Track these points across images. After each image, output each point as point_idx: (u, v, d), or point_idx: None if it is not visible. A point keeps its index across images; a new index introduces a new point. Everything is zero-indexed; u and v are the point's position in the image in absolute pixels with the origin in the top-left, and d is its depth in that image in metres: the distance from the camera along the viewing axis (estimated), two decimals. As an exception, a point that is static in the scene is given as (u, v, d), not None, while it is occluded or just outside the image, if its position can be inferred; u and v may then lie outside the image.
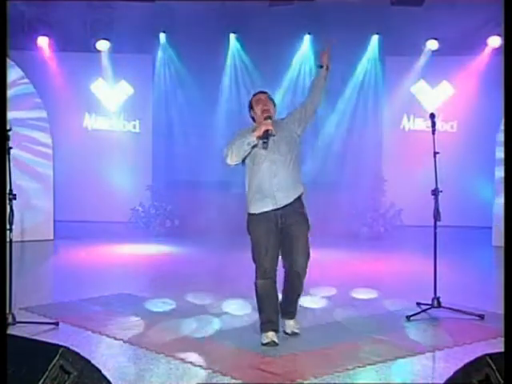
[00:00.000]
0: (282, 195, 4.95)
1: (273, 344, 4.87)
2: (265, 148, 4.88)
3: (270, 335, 4.91)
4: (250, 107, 5.19)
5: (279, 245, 4.98)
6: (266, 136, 4.88)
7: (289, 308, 5.19)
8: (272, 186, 4.93)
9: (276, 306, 5.04)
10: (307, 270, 5.08)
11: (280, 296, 5.13)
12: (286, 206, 4.96)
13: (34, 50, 11.15)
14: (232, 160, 4.94)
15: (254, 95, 5.23)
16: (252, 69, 11.63)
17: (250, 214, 5.01)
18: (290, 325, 5.19)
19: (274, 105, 5.21)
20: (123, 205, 11.10)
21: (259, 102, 5.11)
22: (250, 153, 4.94)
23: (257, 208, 4.97)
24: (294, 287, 5.09)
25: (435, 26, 10.81)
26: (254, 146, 4.91)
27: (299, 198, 5.07)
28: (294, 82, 11.62)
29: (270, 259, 4.91)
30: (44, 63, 11.38)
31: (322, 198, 10.95)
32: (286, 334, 5.14)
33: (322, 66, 5.29)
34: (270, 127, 4.88)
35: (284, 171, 4.97)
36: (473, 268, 8.43)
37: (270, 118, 4.98)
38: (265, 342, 4.89)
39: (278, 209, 4.94)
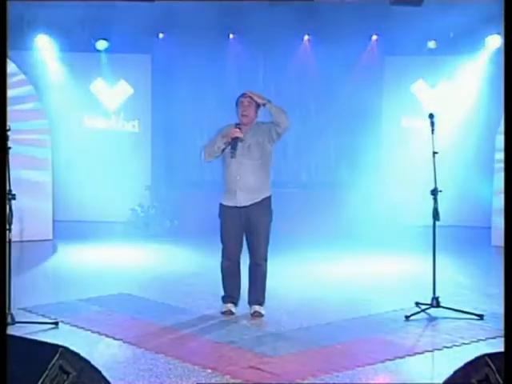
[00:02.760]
0: (243, 197, 5.58)
1: (229, 313, 5.71)
2: (232, 156, 5.48)
3: (229, 306, 5.76)
4: (236, 105, 5.72)
5: (243, 233, 5.68)
6: (234, 143, 5.45)
7: (254, 295, 5.77)
8: (235, 187, 5.57)
9: (237, 284, 5.81)
10: (266, 263, 5.71)
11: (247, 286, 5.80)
12: (246, 206, 5.58)
13: (34, 50, 11.15)
14: (206, 158, 5.73)
15: (240, 96, 5.71)
16: (252, 69, 11.63)
17: (220, 203, 5.74)
18: (255, 308, 5.75)
19: (258, 107, 5.66)
20: (122, 205, 11.09)
21: (240, 105, 5.65)
22: (224, 150, 5.56)
23: (224, 201, 5.71)
24: (256, 276, 5.73)
25: (435, 26, 10.80)
26: (224, 149, 5.55)
27: (263, 199, 5.62)
28: (293, 81, 11.60)
29: (234, 244, 5.69)
30: (44, 63, 11.38)
31: (321, 197, 10.96)
32: (252, 315, 5.70)
33: (264, 105, 5.60)
34: (238, 135, 5.47)
35: (249, 175, 5.56)
36: (472, 268, 8.43)
37: (239, 126, 5.52)
38: (223, 310, 5.75)
39: (239, 207, 5.60)
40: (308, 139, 11.69)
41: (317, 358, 4.68)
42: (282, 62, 11.55)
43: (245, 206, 5.60)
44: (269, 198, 5.71)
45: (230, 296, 5.81)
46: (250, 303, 5.81)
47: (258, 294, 5.78)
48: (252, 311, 5.75)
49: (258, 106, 5.67)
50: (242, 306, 5.97)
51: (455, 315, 5.74)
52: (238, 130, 5.50)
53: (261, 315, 5.71)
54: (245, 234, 5.72)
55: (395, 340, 5.13)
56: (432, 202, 5.79)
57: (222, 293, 5.86)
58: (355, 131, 11.46)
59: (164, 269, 8.22)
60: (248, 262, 5.79)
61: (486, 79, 11.10)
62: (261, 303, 5.78)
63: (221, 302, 5.90)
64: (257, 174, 5.60)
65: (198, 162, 5.99)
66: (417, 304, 6.02)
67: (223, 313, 5.75)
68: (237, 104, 5.71)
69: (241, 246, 5.77)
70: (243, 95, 5.69)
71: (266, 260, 5.73)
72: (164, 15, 10.65)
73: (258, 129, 5.66)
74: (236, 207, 5.62)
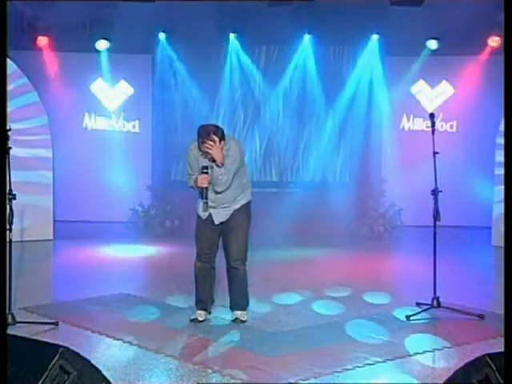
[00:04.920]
0: (220, 215, 5.50)
1: (197, 321, 5.49)
2: (206, 208, 5.47)
3: (198, 313, 5.54)
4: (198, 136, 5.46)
5: (218, 237, 5.58)
6: (205, 192, 5.44)
7: (235, 300, 5.63)
8: (212, 206, 5.48)
9: (209, 287, 5.63)
10: (244, 267, 5.58)
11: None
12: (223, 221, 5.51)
13: (34, 50, 11.14)
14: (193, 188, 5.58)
15: (198, 136, 5.44)
16: (252, 69, 11.62)
17: (197, 213, 5.66)
18: (237, 314, 5.59)
19: (222, 136, 5.41)
20: (123, 205, 11.08)
21: (202, 146, 5.38)
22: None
23: (201, 213, 5.61)
24: (233, 280, 5.59)
25: (435, 26, 10.80)
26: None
27: (241, 206, 5.53)
28: (293, 81, 11.60)
29: (207, 246, 5.55)
30: (44, 63, 11.37)
31: (322, 197, 10.95)
32: (233, 321, 5.54)
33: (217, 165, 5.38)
34: (205, 184, 5.37)
35: (224, 196, 5.46)
36: (472, 268, 8.43)
37: (206, 172, 5.35)
38: (192, 318, 5.55)
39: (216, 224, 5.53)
40: (308, 139, 11.68)
41: (317, 358, 4.68)
42: (282, 61, 11.54)
43: (221, 222, 5.53)
44: (247, 203, 5.59)
45: (201, 301, 5.60)
46: (231, 309, 5.67)
47: (237, 298, 5.63)
48: (233, 317, 5.60)
49: (222, 138, 5.39)
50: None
51: (455, 315, 5.74)
52: (204, 177, 5.35)
53: (242, 321, 5.53)
54: (222, 238, 5.60)
55: (395, 340, 5.13)
56: (432, 202, 5.79)
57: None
58: (355, 131, 11.45)
59: (164, 269, 8.22)
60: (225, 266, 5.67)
61: (486, 79, 11.10)
62: (242, 308, 5.63)
63: (221, 303, 5.88)
64: (232, 191, 5.48)
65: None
66: (417, 304, 6.02)
67: (191, 320, 5.53)
68: (198, 136, 5.43)
69: (215, 249, 5.61)
70: (199, 131, 5.44)
71: (243, 263, 5.56)
72: (164, 15, 10.64)
73: (226, 153, 5.39)
74: (212, 222, 5.54)
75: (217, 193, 5.48)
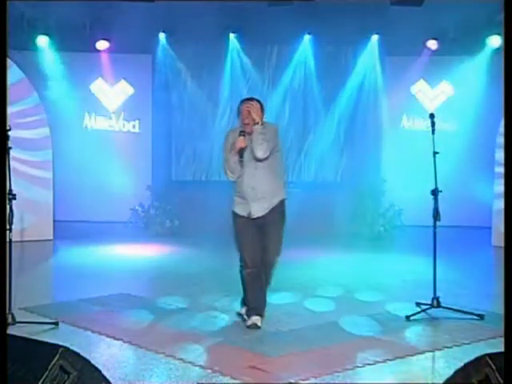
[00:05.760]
0: (257, 208, 5.40)
1: (254, 327, 5.32)
2: (241, 166, 5.38)
3: (254, 319, 5.36)
4: (238, 114, 5.55)
5: (259, 237, 5.43)
6: (241, 153, 5.36)
7: (257, 303, 5.46)
8: (249, 197, 5.40)
9: (262, 294, 5.48)
10: (274, 267, 5.55)
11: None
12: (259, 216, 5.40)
13: (34, 50, 11.15)
14: (232, 177, 5.47)
15: (240, 103, 5.54)
16: (252, 69, 11.63)
17: (233, 211, 5.52)
18: (253, 319, 5.40)
19: (262, 109, 5.48)
20: (123, 205, 11.09)
21: (241, 114, 5.47)
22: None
23: (237, 209, 5.50)
24: (261, 282, 5.46)
25: (435, 26, 10.81)
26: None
27: (277, 204, 5.48)
28: (294, 81, 11.60)
29: (251, 250, 5.39)
30: (44, 63, 11.37)
31: (322, 197, 10.96)
32: (248, 327, 5.37)
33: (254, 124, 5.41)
34: (243, 145, 5.32)
35: (262, 183, 5.40)
36: (472, 268, 8.42)
37: (243, 133, 5.35)
38: (248, 324, 5.37)
39: (254, 218, 5.41)
40: (308, 139, 11.69)
41: (317, 358, 4.68)
42: (282, 61, 11.55)
43: (258, 217, 5.42)
44: (282, 201, 5.54)
45: (254, 308, 5.43)
46: (248, 312, 5.51)
47: (259, 301, 5.50)
48: (249, 324, 5.42)
49: (261, 108, 5.50)
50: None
51: (455, 315, 5.73)
52: (241, 139, 5.35)
53: (258, 327, 5.38)
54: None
55: (395, 340, 5.12)
56: (432, 202, 5.79)
57: (245, 305, 5.56)
58: (355, 131, 11.46)
59: (164, 269, 8.22)
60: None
61: (486, 79, 11.10)
62: (261, 313, 5.50)
63: (221, 303, 5.89)
64: (270, 180, 5.43)
65: (221, 177, 5.81)
66: (417, 304, 6.02)
67: (248, 327, 5.35)
68: (238, 112, 5.52)
69: (259, 251, 5.43)
70: (242, 102, 5.53)
71: (275, 264, 5.53)
72: (164, 15, 10.64)
73: (265, 132, 5.39)
74: (250, 218, 5.42)
75: (253, 181, 5.38)
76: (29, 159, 9.77)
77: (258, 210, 5.41)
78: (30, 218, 9.51)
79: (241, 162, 5.38)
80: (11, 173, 5.24)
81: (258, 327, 5.33)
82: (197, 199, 10.92)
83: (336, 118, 11.54)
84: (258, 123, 5.34)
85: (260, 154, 5.32)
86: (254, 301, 5.44)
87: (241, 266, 5.46)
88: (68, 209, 11.31)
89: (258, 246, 5.43)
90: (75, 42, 11.00)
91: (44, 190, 10.06)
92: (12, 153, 5.24)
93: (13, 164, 5.34)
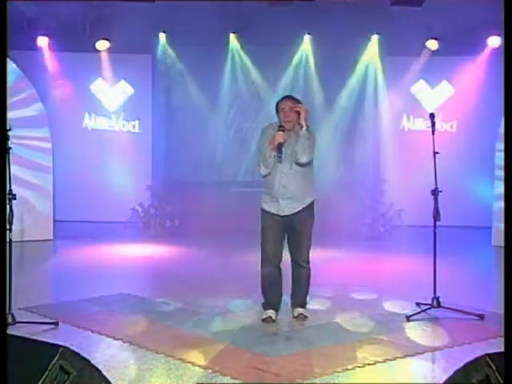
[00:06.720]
0: (287, 206, 5.46)
1: (270, 320, 5.49)
2: (279, 162, 5.36)
3: (269, 312, 5.53)
4: (276, 111, 5.54)
5: (284, 237, 5.52)
6: (279, 148, 5.33)
7: (297, 297, 5.69)
8: (279, 196, 5.43)
9: (279, 291, 5.63)
10: (309, 264, 5.64)
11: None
12: (289, 214, 5.44)
13: (34, 50, 11.15)
14: (264, 172, 5.46)
15: (280, 100, 5.55)
16: (252, 69, 11.63)
17: (262, 208, 5.57)
18: (297, 310, 5.65)
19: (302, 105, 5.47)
20: (123, 205, 11.09)
21: (281, 111, 5.47)
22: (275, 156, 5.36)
23: (266, 206, 5.53)
24: (300, 278, 5.64)
25: (435, 26, 10.81)
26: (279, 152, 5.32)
27: (307, 205, 5.53)
28: (294, 81, 11.60)
29: (274, 248, 5.48)
30: (44, 63, 11.38)
31: (322, 197, 10.91)
32: (295, 317, 5.60)
33: (300, 128, 5.42)
34: (281, 140, 5.31)
35: (294, 183, 5.43)
36: (473, 268, 8.43)
37: (282, 129, 5.34)
38: (263, 317, 5.51)
39: (282, 216, 5.46)
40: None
41: (317, 358, 4.68)
42: (282, 61, 11.55)
43: (287, 215, 5.49)
44: (312, 202, 5.61)
45: (270, 303, 5.61)
46: (294, 305, 5.71)
47: (301, 296, 5.71)
48: (296, 314, 5.65)
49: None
50: (243, 305, 5.99)
51: (456, 315, 5.73)
52: (281, 134, 5.34)
53: (305, 317, 5.62)
54: (287, 236, 5.58)
55: (395, 340, 5.12)
56: (432, 202, 5.79)
57: (262, 299, 5.66)
58: (355, 131, 11.45)
59: (164, 269, 8.22)
60: (290, 264, 5.69)
61: (486, 79, 11.10)
62: (304, 306, 5.72)
63: (221, 303, 5.88)
64: (301, 180, 5.48)
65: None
66: (417, 304, 6.02)
67: (263, 320, 5.51)
68: (277, 109, 5.53)
69: (282, 250, 5.56)
70: (283, 99, 5.54)
71: (308, 262, 5.65)
72: (164, 15, 10.65)
73: (309, 137, 5.48)
74: (279, 215, 5.48)
75: (289, 182, 5.41)
76: (29, 158, 9.76)
77: (287, 208, 5.46)
78: (29, 218, 9.51)
79: (276, 157, 5.36)
80: (11, 173, 5.25)
81: (273, 321, 5.49)
82: (197, 199, 10.92)
83: (336, 117, 11.54)
84: (304, 127, 5.38)
85: (305, 159, 5.41)
86: (270, 295, 5.59)
87: (262, 262, 5.54)
88: (68, 209, 11.31)
89: (281, 244, 5.54)
90: (75, 42, 11.00)
91: (44, 190, 10.06)
92: (12, 152, 5.24)
93: (13, 164, 5.33)
